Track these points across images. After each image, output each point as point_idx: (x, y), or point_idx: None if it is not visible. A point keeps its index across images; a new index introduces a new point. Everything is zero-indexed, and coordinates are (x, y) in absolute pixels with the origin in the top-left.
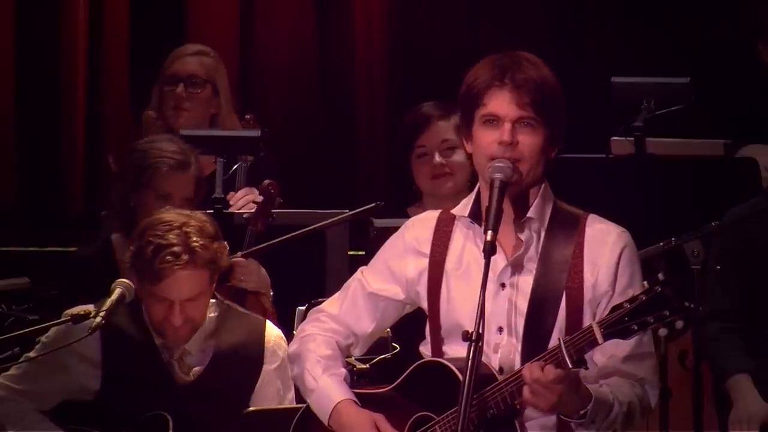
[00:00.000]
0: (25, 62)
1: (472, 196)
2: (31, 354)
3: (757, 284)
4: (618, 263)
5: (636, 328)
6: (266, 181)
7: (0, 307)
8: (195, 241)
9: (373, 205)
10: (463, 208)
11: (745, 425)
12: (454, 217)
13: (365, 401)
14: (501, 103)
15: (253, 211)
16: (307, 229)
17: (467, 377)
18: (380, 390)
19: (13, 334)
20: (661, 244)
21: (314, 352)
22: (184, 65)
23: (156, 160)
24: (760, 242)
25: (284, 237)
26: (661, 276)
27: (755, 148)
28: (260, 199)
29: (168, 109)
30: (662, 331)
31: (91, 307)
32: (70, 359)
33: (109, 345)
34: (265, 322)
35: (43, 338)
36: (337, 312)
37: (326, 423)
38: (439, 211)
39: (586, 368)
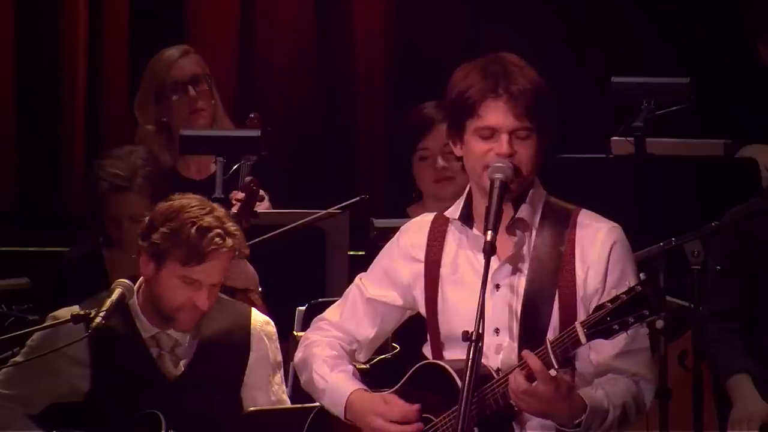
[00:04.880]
0: (25, 62)
1: (462, 198)
2: (19, 358)
3: (757, 284)
4: (608, 261)
5: (617, 327)
6: (247, 178)
7: (0, 307)
8: (231, 227)
9: (357, 199)
10: (454, 210)
11: (745, 425)
12: (447, 220)
13: None
14: (497, 115)
15: (236, 209)
16: (292, 225)
17: (467, 377)
18: (384, 392)
19: (13, 334)
20: (661, 244)
21: (319, 355)
22: (182, 69)
23: (97, 183)
24: (760, 242)
25: (268, 235)
26: (642, 275)
27: (755, 148)
28: (243, 196)
29: (183, 116)
30: (642, 331)
31: (76, 308)
32: (58, 361)
33: (96, 344)
34: (251, 309)
35: (29, 341)
36: (338, 319)
37: (343, 417)
38: (434, 214)
39: (573, 369)
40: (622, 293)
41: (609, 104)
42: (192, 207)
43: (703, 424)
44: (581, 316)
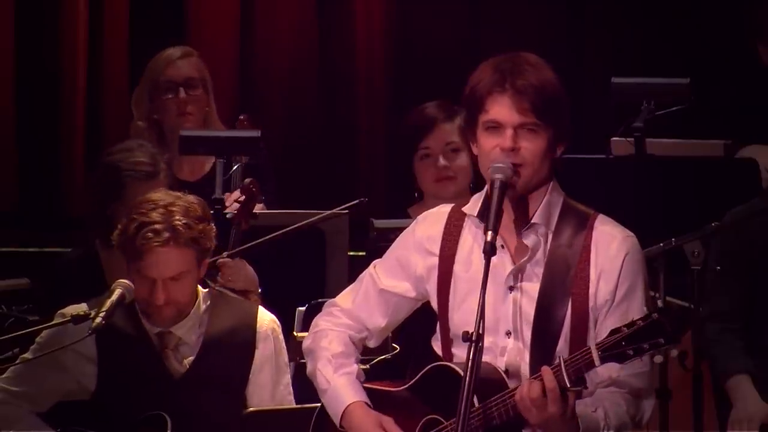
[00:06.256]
0: (26, 62)
1: (482, 195)
2: (27, 355)
3: (757, 285)
4: (620, 272)
5: (632, 353)
6: (247, 180)
7: (0, 308)
8: (178, 220)
9: (356, 201)
10: (473, 206)
11: (744, 425)
12: (464, 215)
13: (379, 399)
14: (502, 109)
15: (236, 211)
16: (293, 227)
17: (467, 378)
18: (395, 388)
19: (12, 334)
20: (661, 244)
21: (326, 349)
22: (178, 70)
23: (122, 173)
24: (760, 243)
25: (269, 236)
26: (660, 303)
27: (755, 149)
28: (243, 198)
29: (171, 116)
30: (657, 358)
31: (84, 306)
32: (65, 358)
33: (104, 341)
34: (257, 307)
35: (37, 339)
36: (350, 306)
37: (338, 424)
38: (452, 206)
39: (586, 388)
40: (639, 319)
41: (609, 104)
42: (147, 202)
43: (703, 424)
44: (592, 325)
